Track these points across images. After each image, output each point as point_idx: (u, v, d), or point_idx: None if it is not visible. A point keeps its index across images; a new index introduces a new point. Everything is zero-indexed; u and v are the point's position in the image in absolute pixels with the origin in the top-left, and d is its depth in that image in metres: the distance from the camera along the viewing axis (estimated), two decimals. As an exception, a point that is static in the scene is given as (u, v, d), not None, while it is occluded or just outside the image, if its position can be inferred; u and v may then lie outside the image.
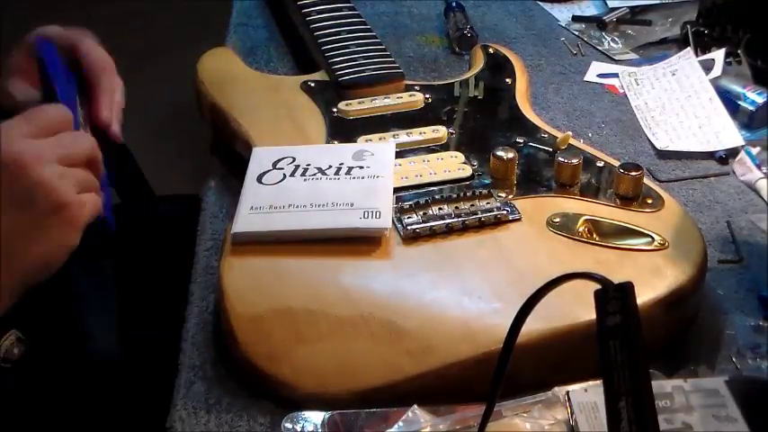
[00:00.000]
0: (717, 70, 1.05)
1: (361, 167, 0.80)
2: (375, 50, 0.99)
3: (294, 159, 0.81)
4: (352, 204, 0.76)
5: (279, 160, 0.81)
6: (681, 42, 1.13)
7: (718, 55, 1.06)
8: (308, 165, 0.81)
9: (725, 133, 0.96)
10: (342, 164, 0.80)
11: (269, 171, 0.81)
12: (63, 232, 0.68)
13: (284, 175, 0.80)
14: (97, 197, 0.71)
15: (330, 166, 0.80)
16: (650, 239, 0.75)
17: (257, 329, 0.68)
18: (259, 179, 0.80)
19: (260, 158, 0.82)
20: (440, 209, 0.77)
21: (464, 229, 0.76)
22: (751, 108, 0.99)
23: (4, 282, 0.66)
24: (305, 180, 0.79)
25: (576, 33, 1.18)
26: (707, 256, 0.75)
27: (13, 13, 2.76)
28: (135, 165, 0.97)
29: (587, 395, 0.63)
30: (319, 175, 0.79)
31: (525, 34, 1.18)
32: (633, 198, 0.79)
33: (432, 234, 0.75)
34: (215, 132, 0.96)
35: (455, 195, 0.79)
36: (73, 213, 0.68)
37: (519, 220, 0.77)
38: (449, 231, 0.76)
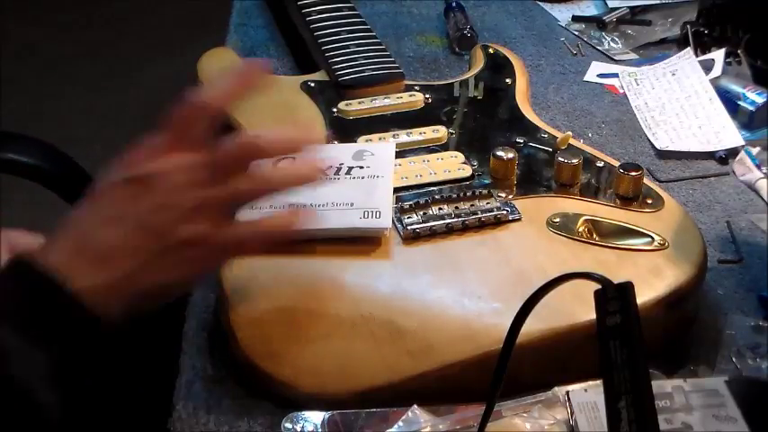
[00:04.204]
0: (717, 70, 1.05)
1: (361, 167, 0.80)
2: (375, 50, 0.99)
3: (294, 159, 0.80)
4: (351, 204, 0.76)
5: (278, 160, 0.81)
6: (681, 42, 1.13)
7: (719, 55, 1.06)
8: None
9: (725, 133, 0.96)
10: (342, 164, 0.80)
11: None
12: (187, 266, 0.66)
13: None
14: (237, 229, 0.68)
15: (330, 167, 0.80)
16: (650, 239, 0.75)
17: (257, 329, 0.68)
18: None
19: None
20: (440, 209, 0.77)
21: (464, 229, 0.76)
22: (751, 108, 0.99)
23: (121, 299, 0.64)
24: None
25: (576, 33, 1.18)
26: (707, 256, 0.75)
27: (13, 12, 2.76)
28: None
29: (587, 395, 0.63)
30: None
31: (525, 34, 1.18)
32: (633, 198, 0.79)
33: (432, 234, 0.75)
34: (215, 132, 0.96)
35: (455, 195, 0.79)
36: (204, 253, 0.66)
37: (519, 220, 0.77)
38: (449, 231, 0.76)
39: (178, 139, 0.66)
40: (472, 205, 0.78)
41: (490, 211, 0.76)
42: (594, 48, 1.15)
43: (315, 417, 0.63)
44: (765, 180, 0.90)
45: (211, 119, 0.67)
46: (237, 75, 0.69)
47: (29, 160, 1.08)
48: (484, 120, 0.91)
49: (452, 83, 0.97)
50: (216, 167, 0.65)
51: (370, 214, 0.75)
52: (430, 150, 0.86)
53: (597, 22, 1.19)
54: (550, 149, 0.85)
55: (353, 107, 0.91)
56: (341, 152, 0.83)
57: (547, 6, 1.25)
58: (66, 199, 1.05)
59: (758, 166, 0.91)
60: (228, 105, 0.70)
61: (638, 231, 0.76)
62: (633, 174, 0.79)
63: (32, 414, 0.59)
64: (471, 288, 0.71)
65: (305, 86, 0.95)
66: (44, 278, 0.62)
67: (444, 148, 0.86)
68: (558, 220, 0.76)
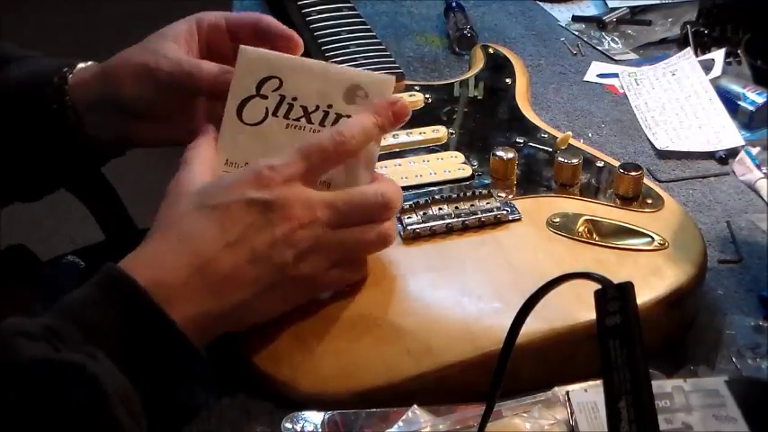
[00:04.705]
0: (717, 70, 1.05)
1: (350, 116, 0.71)
2: (375, 50, 0.99)
3: (280, 84, 0.72)
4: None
5: (264, 80, 0.72)
6: (681, 42, 1.13)
7: (718, 55, 1.06)
8: (294, 99, 0.71)
9: (725, 133, 0.96)
10: (330, 106, 0.71)
11: (252, 98, 0.71)
12: (287, 301, 0.65)
13: (266, 111, 0.71)
14: (347, 272, 0.68)
15: (317, 108, 0.71)
16: (650, 239, 0.75)
17: (257, 330, 0.68)
18: (240, 110, 0.71)
19: (246, 68, 0.72)
20: (440, 209, 0.77)
21: (464, 229, 0.76)
22: (751, 108, 0.99)
23: (218, 329, 0.63)
24: (287, 126, 0.71)
25: (576, 33, 1.18)
26: (707, 256, 0.75)
27: (13, 12, 2.76)
28: (118, 200, 0.96)
29: (587, 395, 0.63)
30: (303, 121, 0.71)
31: (525, 34, 1.18)
32: (633, 198, 0.79)
33: (432, 234, 0.75)
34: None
35: (455, 195, 0.79)
36: (308, 290, 0.66)
37: (519, 220, 0.77)
38: (449, 231, 0.76)
39: (315, 170, 0.65)
40: (472, 205, 0.78)
41: (490, 211, 0.76)
42: (594, 48, 1.15)
43: (315, 417, 0.63)
44: (765, 180, 0.90)
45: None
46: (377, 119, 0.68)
47: None
48: (484, 120, 0.91)
49: (452, 83, 0.97)
50: (345, 216, 0.65)
51: None
52: (430, 150, 0.86)
53: (597, 22, 1.19)
54: (550, 149, 0.85)
55: (353, 107, 0.91)
56: (333, 86, 0.72)
57: (547, 6, 1.25)
58: (79, 197, 1.05)
59: (758, 166, 0.91)
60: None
61: (638, 231, 0.76)
62: (633, 174, 0.79)
63: None
64: (471, 288, 0.71)
65: (305, 86, 0.95)
66: (146, 302, 0.58)
67: (444, 148, 0.86)
68: (558, 220, 0.76)
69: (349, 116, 0.70)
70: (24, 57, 0.81)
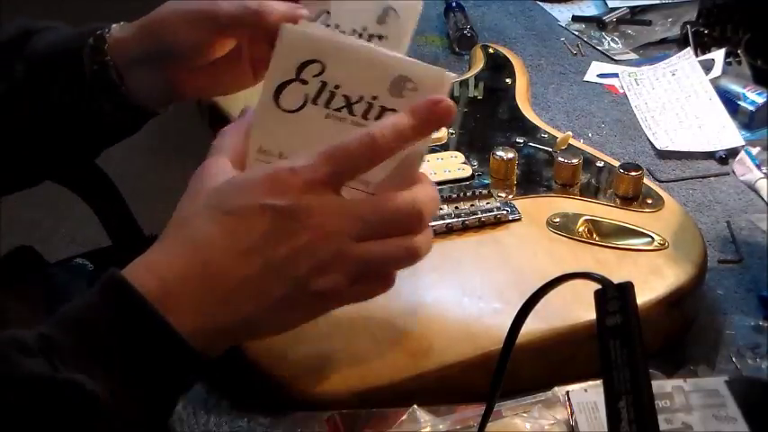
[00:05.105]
0: (717, 70, 1.05)
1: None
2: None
3: (323, 69, 0.64)
4: None
5: (306, 64, 0.64)
6: (681, 42, 1.13)
7: (718, 55, 1.06)
8: (337, 87, 0.64)
9: (725, 133, 0.96)
10: (375, 98, 0.63)
11: (291, 82, 0.64)
12: (303, 317, 0.60)
13: (306, 98, 0.64)
14: (370, 287, 0.60)
15: (360, 99, 0.63)
16: (650, 239, 0.75)
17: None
18: (277, 94, 0.64)
19: (287, 49, 0.64)
20: (440, 209, 0.77)
21: (464, 229, 0.76)
22: (751, 108, 0.99)
23: (226, 342, 0.59)
24: (326, 116, 0.64)
25: (576, 33, 1.18)
26: (707, 256, 0.75)
27: (12, 12, 2.76)
28: (121, 199, 0.95)
29: (587, 395, 0.63)
30: (345, 112, 0.64)
31: (525, 34, 1.18)
32: (633, 198, 0.79)
33: (432, 234, 0.75)
34: (215, 132, 0.96)
35: (455, 195, 0.79)
36: (326, 306, 0.60)
37: (519, 220, 0.77)
38: (449, 231, 0.76)
39: (339, 176, 0.58)
40: (472, 205, 0.78)
41: (490, 211, 0.76)
42: (594, 48, 1.15)
43: (315, 417, 0.63)
44: (765, 180, 0.90)
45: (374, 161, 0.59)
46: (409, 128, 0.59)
47: None
48: (484, 120, 0.91)
49: (452, 83, 0.97)
50: (373, 229, 0.58)
51: None
52: (430, 150, 0.86)
53: (597, 22, 1.19)
54: (550, 149, 0.85)
55: (353, 107, 0.91)
56: (378, 73, 0.63)
57: (547, 6, 1.25)
58: (84, 197, 1.05)
59: (758, 166, 0.91)
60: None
61: (638, 231, 0.76)
62: (633, 174, 0.79)
63: None
64: (471, 288, 0.71)
65: (305, 86, 0.95)
66: (147, 312, 0.54)
67: (444, 148, 0.86)
68: (558, 220, 0.76)
69: (395, 111, 0.62)
70: (47, 27, 0.78)
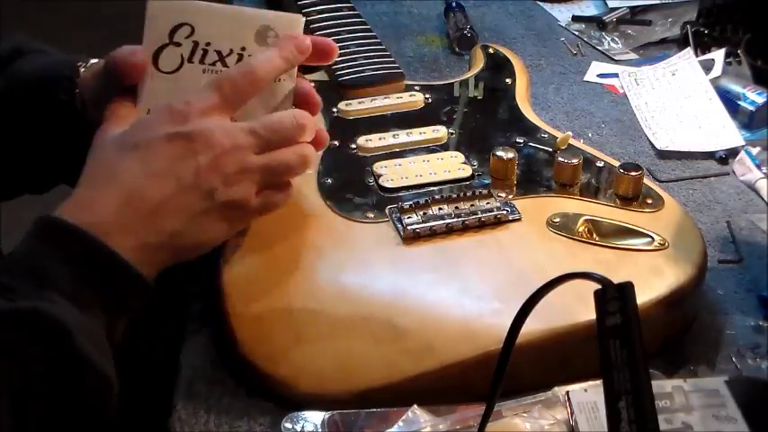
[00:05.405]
0: (717, 70, 1.05)
1: None
2: (375, 50, 0.99)
3: (192, 31, 0.73)
4: None
5: (176, 28, 0.73)
6: (681, 42, 1.13)
7: (718, 55, 1.06)
8: (208, 44, 0.73)
9: (725, 133, 0.96)
10: (243, 49, 0.72)
11: (166, 46, 0.73)
12: (224, 227, 0.67)
13: (182, 58, 0.73)
14: (274, 195, 0.70)
15: (231, 51, 0.73)
16: (650, 239, 0.75)
17: (257, 329, 0.68)
18: (155, 59, 0.73)
19: (157, 19, 0.73)
20: (440, 209, 0.77)
21: (464, 229, 0.76)
22: (751, 108, 0.99)
23: (159, 259, 0.65)
24: (204, 71, 0.73)
25: (576, 33, 1.18)
26: (707, 256, 0.75)
27: (12, 12, 2.76)
28: None
29: (587, 395, 0.63)
30: (219, 65, 0.73)
31: (525, 34, 1.18)
32: (633, 198, 0.79)
33: (432, 234, 0.75)
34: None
35: (455, 195, 0.79)
36: (242, 215, 0.68)
37: (519, 220, 0.77)
38: (449, 231, 0.76)
39: (228, 101, 0.67)
40: (472, 205, 0.78)
41: (490, 211, 0.76)
42: (594, 48, 1.15)
43: (315, 417, 0.63)
44: (765, 180, 0.90)
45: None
46: (285, 51, 0.71)
47: None
48: (484, 120, 0.91)
49: (452, 83, 0.97)
50: (266, 140, 0.67)
51: None
52: (430, 150, 0.86)
53: (597, 22, 1.19)
54: (550, 149, 0.85)
55: (353, 107, 0.91)
56: (243, 30, 0.73)
57: (547, 6, 1.25)
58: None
59: (758, 166, 0.91)
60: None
61: (638, 231, 0.76)
62: (633, 174, 0.79)
63: (97, 386, 0.59)
64: (471, 288, 0.71)
65: (305, 86, 0.95)
66: (88, 240, 0.61)
67: (444, 148, 0.86)
68: (558, 220, 0.76)
69: None
70: (41, 50, 0.82)
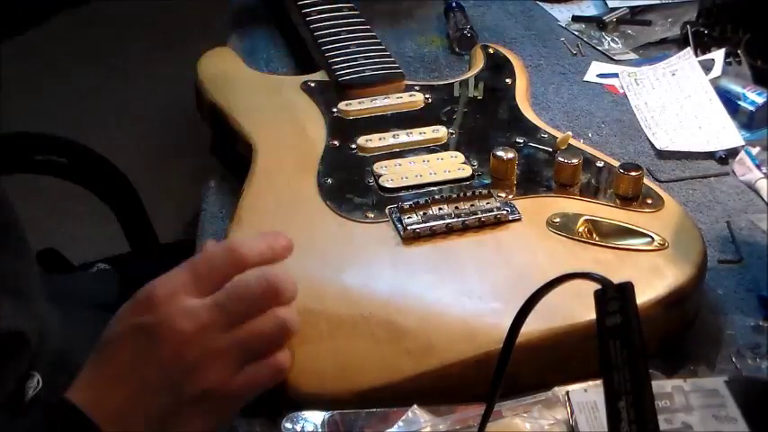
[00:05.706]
0: (717, 70, 1.05)
1: None
2: (375, 50, 0.99)
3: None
4: None
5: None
6: (681, 42, 1.13)
7: (718, 55, 1.06)
8: None
9: (725, 133, 0.96)
10: None
11: None
12: (206, 423, 0.60)
13: None
14: (260, 370, 0.61)
15: None
16: (650, 239, 0.75)
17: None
18: None
19: None
20: (440, 209, 0.77)
21: (464, 229, 0.76)
22: (751, 108, 0.99)
23: None
24: None
25: (576, 33, 1.18)
26: (707, 256, 0.75)
27: (12, 11, 2.76)
28: (144, 213, 0.96)
29: (587, 395, 0.63)
30: None
31: (525, 34, 1.18)
32: (633, 198, 0.79)
33: (432, 234, 0.75)
34: (215, 132, 0.96)
35: (455, 195, 0.79)
36: (223, 403, 0.60)
37: (519, 220, 0.77)
38: (449, 231, 0.76)
39: (199, 283, 0.60)
40: (472, 205, 0.78)
41: (490, 211, 0.76)
42: (594, 48, 1.15)
43: (315, 417, 0.63)
44: (765, 180, 0.90)
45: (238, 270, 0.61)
46: (272, 241, 0.64)
47: (65, 160, 1.11)
48: (484, 120, 0.91)
49: (452, 83, 0.97)
50: (233, 312, 0.60)
51: None
52: (430, 150, 0.86)
53: (597, 22, 1.19)
54: (550, 149, 0.85)
55: (353, 107, 0.91)
56: None
57: (547, 6, 1.25)
58: (99, 195, 1.07)
59: (758, 166, 0.91)
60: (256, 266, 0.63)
61: (638, 231, 0.76)
62: (633, 174, 0.79)
63: None
64: (471, 288, 0.71)
65: (305, 86, 0.95)
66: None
67: (444, 148, 0.86)
68: (558, 220, 0.76)
69: None
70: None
